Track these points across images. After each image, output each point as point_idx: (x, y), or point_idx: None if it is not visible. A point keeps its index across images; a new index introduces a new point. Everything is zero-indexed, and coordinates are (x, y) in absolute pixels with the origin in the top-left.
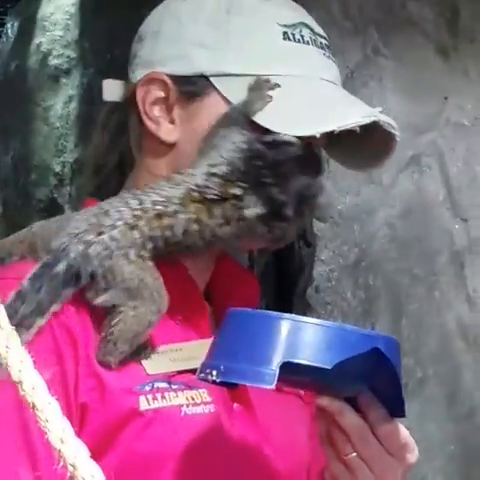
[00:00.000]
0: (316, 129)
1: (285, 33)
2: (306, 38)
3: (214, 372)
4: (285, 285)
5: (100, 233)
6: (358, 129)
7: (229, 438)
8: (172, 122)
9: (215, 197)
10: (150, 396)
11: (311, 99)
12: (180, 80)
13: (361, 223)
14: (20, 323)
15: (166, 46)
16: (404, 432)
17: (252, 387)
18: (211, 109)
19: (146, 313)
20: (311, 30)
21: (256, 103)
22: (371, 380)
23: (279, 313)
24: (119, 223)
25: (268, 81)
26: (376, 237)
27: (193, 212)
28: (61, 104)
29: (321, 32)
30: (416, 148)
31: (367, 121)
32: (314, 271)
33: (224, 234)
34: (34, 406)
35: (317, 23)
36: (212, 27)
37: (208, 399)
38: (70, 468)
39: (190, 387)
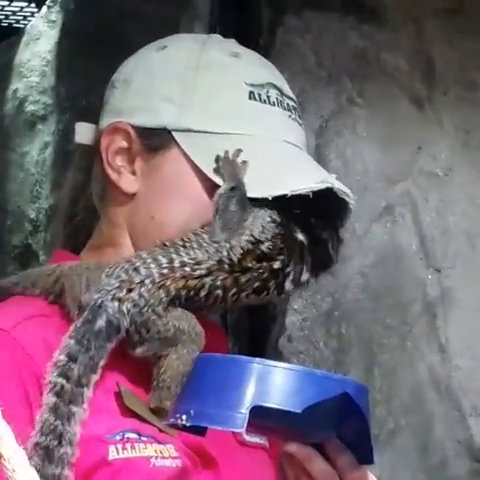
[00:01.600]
0: (268, 192)
1: (251, 93)
2: (272, 99)
3: (184, 416)
4: (258, 334)
5: (130, 290)
6: (311, 194)
7: None
8: (133, 173)
9: (249, 273)
10: (120, 446)
11: (269, 161)
12: (144, 132)
13: (334, 272)
14: (78, 383)
15: (135, 96)
16: (372, 479)
17: (217, 441)
18: (172, 164)
19: (188, 353)
20: (279, 91)
21: (242, 179)
22: (340, 425)
23: (249, 357)
24: (147, 281)
25: (230, 154)
26: (349, 286)
27: (220, 280)
28: (37, 150)
29: (290, 94)
30: (389, 198)
31: (320, 187)
32: (287, 320)
33: (248, 301)
34: (1, 456)
35: (291, 71)
36: (179, 82)
37: (175, 454)
38: None
39: (158, 441)
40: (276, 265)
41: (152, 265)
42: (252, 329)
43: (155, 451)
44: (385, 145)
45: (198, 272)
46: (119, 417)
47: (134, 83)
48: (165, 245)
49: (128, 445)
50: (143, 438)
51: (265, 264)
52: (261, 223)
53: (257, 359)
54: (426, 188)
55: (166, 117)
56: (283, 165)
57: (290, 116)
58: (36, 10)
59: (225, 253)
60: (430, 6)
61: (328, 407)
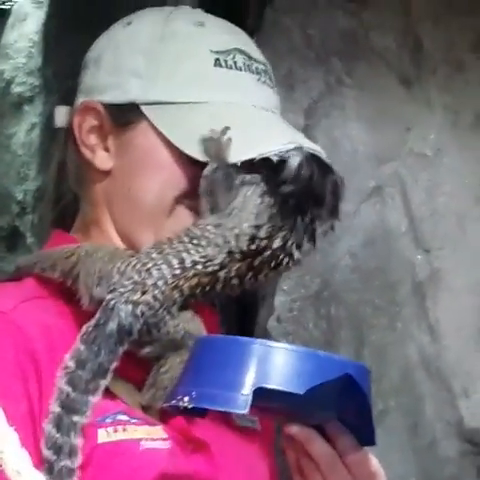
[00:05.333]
0: (236, 158)
1: (217, 60)
2: (239, 64)
3: (186, 398)
4: (246, 315)
5: (144, 292)
6: (275, 158)
7: (186, 473)
8: (107, 150)
9: (259, 256)
10: (111, 429)
11: (236, 127)
12: (113, 109)
13: (323, 253)
14: (85, 390)
15: (104, 74)
16: (373, 461)
17: (208, 425)
18: (142, 138)
19: None
20: (246, 55)
21: (228, 156)
22: (341, 407)
23: (250, 338)
24: (160, 283)
25: (217, 130)
26: (338, 267)
27: (235, 270)
28: (24, 132)
29: (260, 58)
30: (379, 178)
31: (288, 147)
32: (276, 301)
33: (265, 279)
34: None
35: (279, 52)
36: (145, 55)
37: (164, 436)
38: None
39: (148, 423)
40: (277, 243)
41: (163, 266)
42: (240, 310)
43: (145, 433)
44: (374, 125)
45: (210, 268)
46: (109, 399)
47: (103, 61)
48: (171, 241)
49: (119, 427)
50: (133, 420)
51: (269, 243)
52: (254, 206)
53: (258, 340)
54: (415, 168)
55: (134, 91)
56: (251, 130)
57: (259, 79)
58: None
59: (233, 243)
60: None
61: (330, 388)
